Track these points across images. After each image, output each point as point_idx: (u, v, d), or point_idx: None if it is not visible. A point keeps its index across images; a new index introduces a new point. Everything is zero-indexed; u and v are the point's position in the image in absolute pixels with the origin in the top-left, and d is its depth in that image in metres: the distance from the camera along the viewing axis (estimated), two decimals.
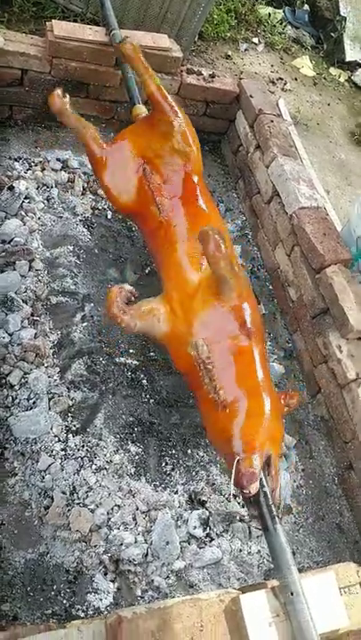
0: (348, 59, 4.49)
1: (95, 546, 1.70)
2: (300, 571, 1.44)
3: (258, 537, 1.91)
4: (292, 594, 1.29)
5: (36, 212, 2.43)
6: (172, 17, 3.27)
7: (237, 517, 1.91)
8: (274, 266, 2.64)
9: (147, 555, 1.72)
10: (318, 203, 2.48)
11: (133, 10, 3.13)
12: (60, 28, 2.54)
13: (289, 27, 4.54)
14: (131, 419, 2.03)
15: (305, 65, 4.31)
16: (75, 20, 3.17)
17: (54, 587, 1.63)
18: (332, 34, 4.50)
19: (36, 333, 2.04)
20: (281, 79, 4.05)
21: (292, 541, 1.97)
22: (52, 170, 2.64)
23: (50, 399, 1.92)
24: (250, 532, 1.91)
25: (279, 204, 2.57)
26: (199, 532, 1.82)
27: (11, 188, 2.36)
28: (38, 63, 2.55)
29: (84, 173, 2.70)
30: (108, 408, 2.02)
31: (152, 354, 2.22)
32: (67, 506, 1.72)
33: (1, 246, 2.23)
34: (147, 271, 2.49)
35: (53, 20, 2.60)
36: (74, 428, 1.91)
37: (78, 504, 1.74)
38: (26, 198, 2.43)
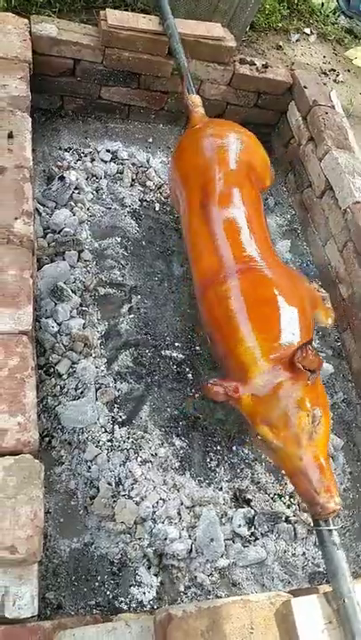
0: None
1: (140, 538, 1.69)
2: None
3: (303, 539, 1.87)
4: (344, 601, 1.24)
5: (86, 202, 2.43)
6: (224, 7, 3.21)
7: (283, 518, 1.87)
8: (324, 262, 2.57)
9: (191, 550, 1.70)
10: None
11: None
12: (114, 17, 2.52)
13: (342, 17, 4.41)
14: (176, 412, 2.01)
15: (358, 56, 4.17)
16: (126, 10, 3.15)
17: (98, 577, 1.62)
18: None
19: (84, 324, 2.04)
20: (333, 70, 3.94)
21: None
22: (102, 161, 2.64)
23: (97, 389, 1.91)
24: (295, 534, 1.86)
25: (332, 199, 2.50)
26: (244, 531, 1.79)
27: (61, 179, 2.36)
28: (91, 53, 2.54)
29: (133, 165, 2.68)
30: (153, 401, 2.01)
31: (198, 348, 2.19)
32: (112, 497, 1.71)
33: (51, 236, 2.23)
34: None
35: (107, 9, 2.58)
36: (120, 420, 1.90)
37: (124, 496, 1.73)
38: (76, 189, 2.43)
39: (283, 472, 1.81)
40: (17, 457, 1.37)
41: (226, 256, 1.83)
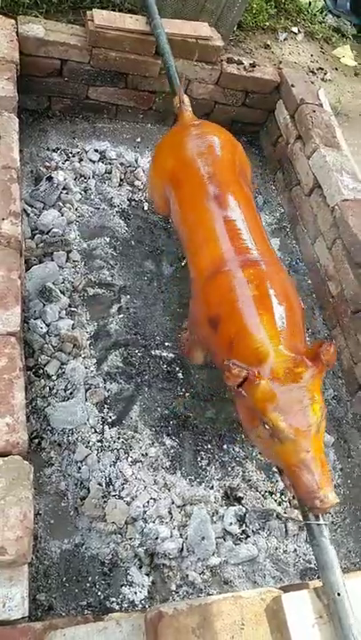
0: None
1: (130, 538, 1.69)
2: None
3: (294, 536, 1.88)
4: (338, 594, 1.25)
5: (74, 202, 2.43)
6: (211, 6, 3.21)
7: (274, 515, 1.88)
8: (313, 259, 2.58)
9: (182, 549, 1.70)
10: None
11: None
12: (101, 17, 2.52)
13: (330, 15, 4.42)
14: (166, 412, 2.01)
15: (346, 54, 4.19)
16: (113, 10, 3.14)
17: (89, 578, 1.62)
18: None
19: (73, 324, 2.04)
20: (321, 69, 3.95)
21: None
22: (90, 161, 2.63)
23: (86, 390, 1.91)
24: (286, 531, 1.87)
25: (320, 196, 2.51)
26: (235, 529, 1.80)
27: (49, 179, 2.36)
28: (78, 53, 2.54)
29: (122, 164, 2.68)
30: (143, 400, 2.01)
31: None
32: (103, 497, 1.71)
33: (39, 237, 2.23)
34: (183, 263, 2.46)
35: (94, 10, 2.57)
36: (110, 420, 1.90)
37: (114, 496, 1.73)
38: (64, 189, 2.43)
39: (276, 466, 1.76)
40: (5, 458, 1.36)
41: (243, 244, 1.83)
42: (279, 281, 1.78)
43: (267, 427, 1.47)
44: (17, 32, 2.40)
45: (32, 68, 2.52)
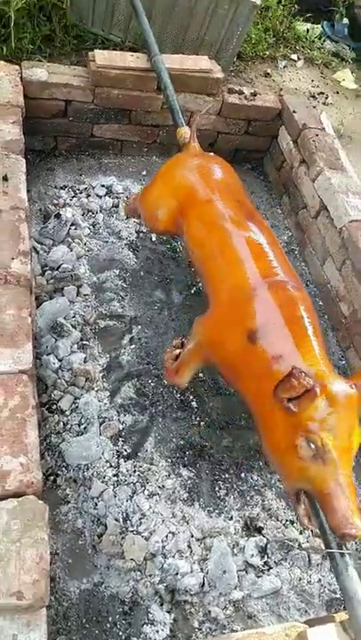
0: None
1: (150, 575, 1.66)
2: None
3: (318, 565, 1.83)
4: None
5: (83, 237, 2.46)
6: (209, 40, 3.29)
7: (296, 544, 1.83)
8: (323, 281, 2.57)
9: (203, 584, 1.67)
10: None
11: (172, 35, 3.17)
12: (102, 57, 2.59)
13: (328, 41, 4.50)
14: (181, 442, 1.99)
15: (346, 78, 4.24)
16: (114, 49, 3.23)
17: (110, 618, 1.59)
18: None
19: (85, 358, 2.05)
20: (322, 93, 4.00)
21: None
22: (97, 196, 2.68)
23: (100, 424, 1.91)
24: (309, 560, 1.82)
25: (327, 218, 2.51)
26: (257, 561, 1.76)
27: (57, 216, 2.40)
28: (81, 93, 2.61)
29: (128, 198, 2.72)
30: (158, 431, 1.99)
31: (200, 375, 2.18)
32: (120, 533, 1.69)
33: (49, 273, 2.26)
34: (192, 291, 2.47)
35: (95, 50, 2.65)
36: (125, 453, 1.89)
37: (132, 531, 1.71)
38: (72, 225, 2.47)
39: (295, 494, 1.70)
40: (20, 499, 1.35)
41: (277, 264, 1.84)
42: (311, 303, 1.80)
43: (312, 445, 1.43)
44: (21, 77, 2.48)
45: (37, 110, 2.59)
